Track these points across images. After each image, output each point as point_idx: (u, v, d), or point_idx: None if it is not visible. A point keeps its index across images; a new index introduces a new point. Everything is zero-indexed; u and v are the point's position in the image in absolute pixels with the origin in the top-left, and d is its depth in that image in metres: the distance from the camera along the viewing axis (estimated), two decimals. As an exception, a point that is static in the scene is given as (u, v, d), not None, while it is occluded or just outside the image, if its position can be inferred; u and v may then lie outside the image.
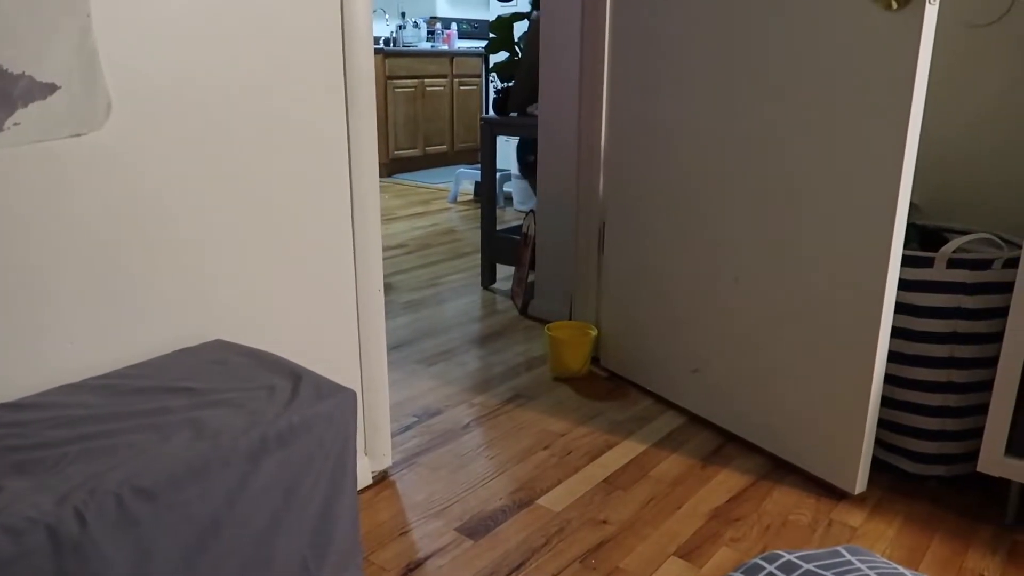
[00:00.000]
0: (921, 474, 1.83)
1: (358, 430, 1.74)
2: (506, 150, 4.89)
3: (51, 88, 1.14)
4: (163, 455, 1.00)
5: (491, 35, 3.65)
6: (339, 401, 1.21)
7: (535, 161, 3.12)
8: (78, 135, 1.19)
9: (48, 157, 1.16)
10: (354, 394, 1.24)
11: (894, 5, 1.51)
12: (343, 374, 1.71)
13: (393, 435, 1.98)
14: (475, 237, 4.16)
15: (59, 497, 0.90)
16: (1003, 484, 1.71)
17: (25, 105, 1.12)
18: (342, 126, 1.59)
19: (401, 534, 1.63)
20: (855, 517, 1.71)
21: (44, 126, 1.14)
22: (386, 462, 1.86)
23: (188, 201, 1.35)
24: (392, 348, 2.65)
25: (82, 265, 1.23)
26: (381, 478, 1.84)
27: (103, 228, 1.25)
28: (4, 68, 1.08)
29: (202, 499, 1.02)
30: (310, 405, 1.17)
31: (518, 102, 3.19)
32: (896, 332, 1.73)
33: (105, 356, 1.28)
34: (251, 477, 1.08)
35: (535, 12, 3.30)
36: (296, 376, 1.25)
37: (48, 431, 1.04)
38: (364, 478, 1.79)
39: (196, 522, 1.02)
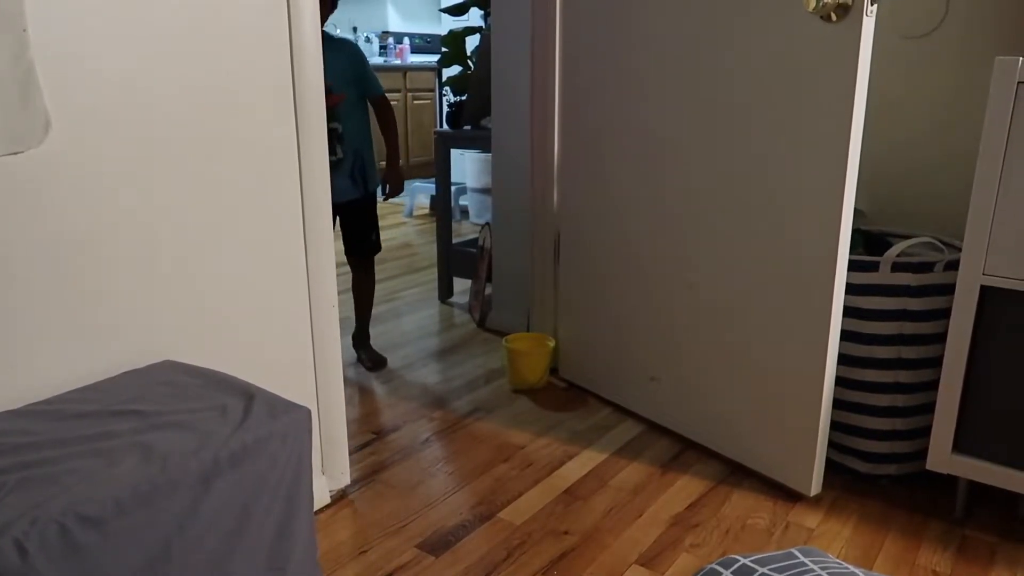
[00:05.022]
0: (873, 474, 1.87)
1: (314, 448, 1.71)
2: (461, 163, 4.89)
3: (-14, 105, 1.10)
4: (108, 481, 0.97)
5: (444, 49, 3.65)
6: (293, 419, 1.19)
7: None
8: (15, 153, 1.15)
9: (-16, 176, 1.13)
10: (309, 412, 1.22)
11: (833, 17, 1.56)
12: (298, 392, 1.68)
13: (351, 452, 1.95)
14: (431, 251, 4.15)
15: (-2, 528, 0.87)
16: (952, 481, 1.75)
17: (-42, 123, 1.08)
18: (292, 142, 1.57)
19: (361, 553, 1.61)
20: (811, 518, 1.74)
21: (-21, 144, 1.11)
22: (344, 480, 1.84)
23: (133, 219, 1.32)
24: (349, 364, 2.61)
25: (22, 287, 1.19)
26: (339, 497, 1.81)
27: (44, 249, 1.21)
28: (-65, 85, 1.05)
29: (151, 525, 0.99)
30: (263, 424, 1.14)
31: (472, 115, 3.20)
32: (845, 335, 1.77)
33: (48, 380, 1.24)
34: (202, 500, 1.05)
35: (487, 26, 3.32)
36: (248, 395, 1.22)
37: (-14, 460, 1.00)
38: (322, 497, 1.76)
39: (146, 548, 0.99)
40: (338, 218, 2.61)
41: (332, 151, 2.46)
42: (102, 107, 1.25)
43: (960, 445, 1.67)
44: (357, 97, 2.48)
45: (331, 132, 2.43)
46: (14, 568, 0.85)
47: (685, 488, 1.86)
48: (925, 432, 1.78)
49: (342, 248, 2.75)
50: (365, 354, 2.68)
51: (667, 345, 2.08)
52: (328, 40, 2.38)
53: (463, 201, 5.24)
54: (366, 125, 2.55)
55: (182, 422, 1.12)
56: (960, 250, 1.63)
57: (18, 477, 0.96)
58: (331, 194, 2.52)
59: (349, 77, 2.43)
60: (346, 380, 1.95)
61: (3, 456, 1.01)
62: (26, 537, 0.87)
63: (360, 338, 2.73)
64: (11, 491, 0.93)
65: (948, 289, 1.70)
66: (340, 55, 2.41)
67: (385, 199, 2.62)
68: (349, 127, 2.46)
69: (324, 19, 2.33)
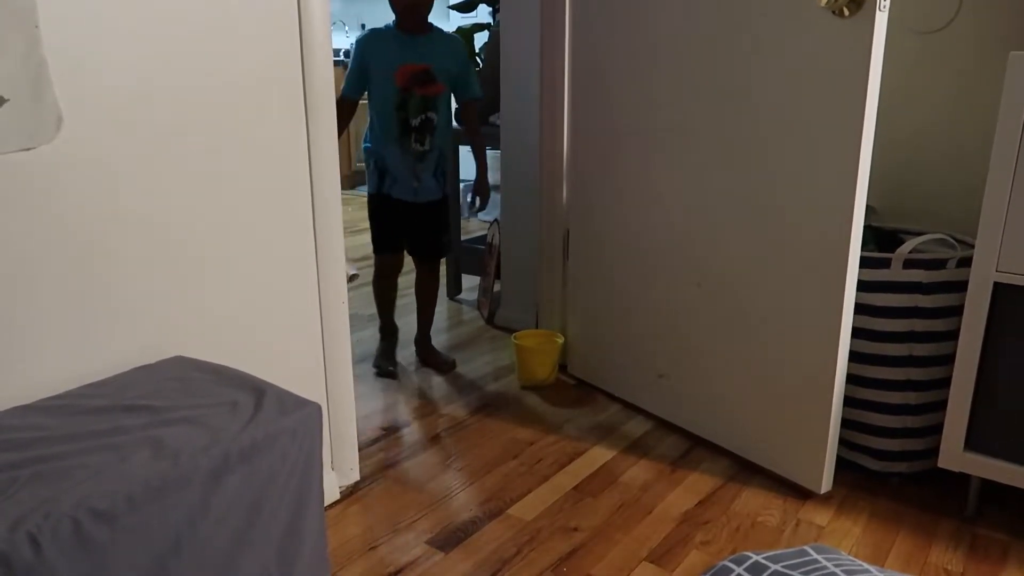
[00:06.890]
0: (884, 471, 1.86)
1: (324, 444, 1.71)
2: (469, 160, 4.87)
3: (-2, 101, 1.11)
4: (120, 476, 0.97)
5: (452, 46, 3.64)
6: (304, 415, 1.19)
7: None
8: (27, 149, 1.15)
9: (-4, 172, 1.13)
10: (319, 408, 1.22)
11: (846, 12, 1.55)
12: (308, 388, 1.68)
13: (360, 448, 1.95)
14: (440, 248, 4.14)
15: (11, 522, 0.87)
16: (963, 479, 1.74)
17: (-29, 119, 1.08)
18: (303, 138, 1.57)
19: (370, 549, 1.61)
20: (822, 516, 1.73)
21: (-9, 140, 1.11)
22: (354, 476, 1.84)
23: (144, 215, 1.33)
24: (358, 361, 2.61)
25: (33, 283, 1.20)
26: (349, 493, 1.81)
27: (55, 245, 1.21)
28: (-52, 81, 1.05)
29: (162, 520, 0.99)
30: (273, 420, 1.15)
31: (480, 112, 3.19)
32: (856, 332, 1.76)
33: (59, 376, 1.24)
34: (213, 496, 1.05)
35: (495, 22, 3.31)
36: (259, 391, 1.22)
37: (-1, 454, 1.01)
38: (331, 493, 1.76)
39: (156, 543, 0.99)
40: (378, 214, 2.48)
41: (422, 141, 2.34)
42: (113, 104, 1.25)
43: (972, 443, 1.66)
44: (450, 95, 2.43)
45: (427, 122, 2.31)
46: (28, 561, 0.86)
47: (694, 485, 1.86)
48: (937, 430, 1.77)
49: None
50: (432, 359, 2.59)
51: (676, 342, 2.08)
52: (439, 33, 2.39)
53: (471, 198, 5.23)
54: (451, 123, 2.50)
55: (193, 418, 1.12)
56: (973, 247, 1.61)
57: (30, 472, 0.97)
58: (415, 193, 2.38)
59: (452, 72, 2.37)
60: (355, 376, 1.94)
61: (15, 451, 1.01)
62: (39, 531, 0.87)
63: (423, 342, 2.64)
64: (24, 485, 0.94)
65: (960, 286, 1.68)
66: (448, 49, 2.38)
67: (473, 213, 2.43)
68: (441, 121, 2.38)
69: (428, 11, 2.31)
